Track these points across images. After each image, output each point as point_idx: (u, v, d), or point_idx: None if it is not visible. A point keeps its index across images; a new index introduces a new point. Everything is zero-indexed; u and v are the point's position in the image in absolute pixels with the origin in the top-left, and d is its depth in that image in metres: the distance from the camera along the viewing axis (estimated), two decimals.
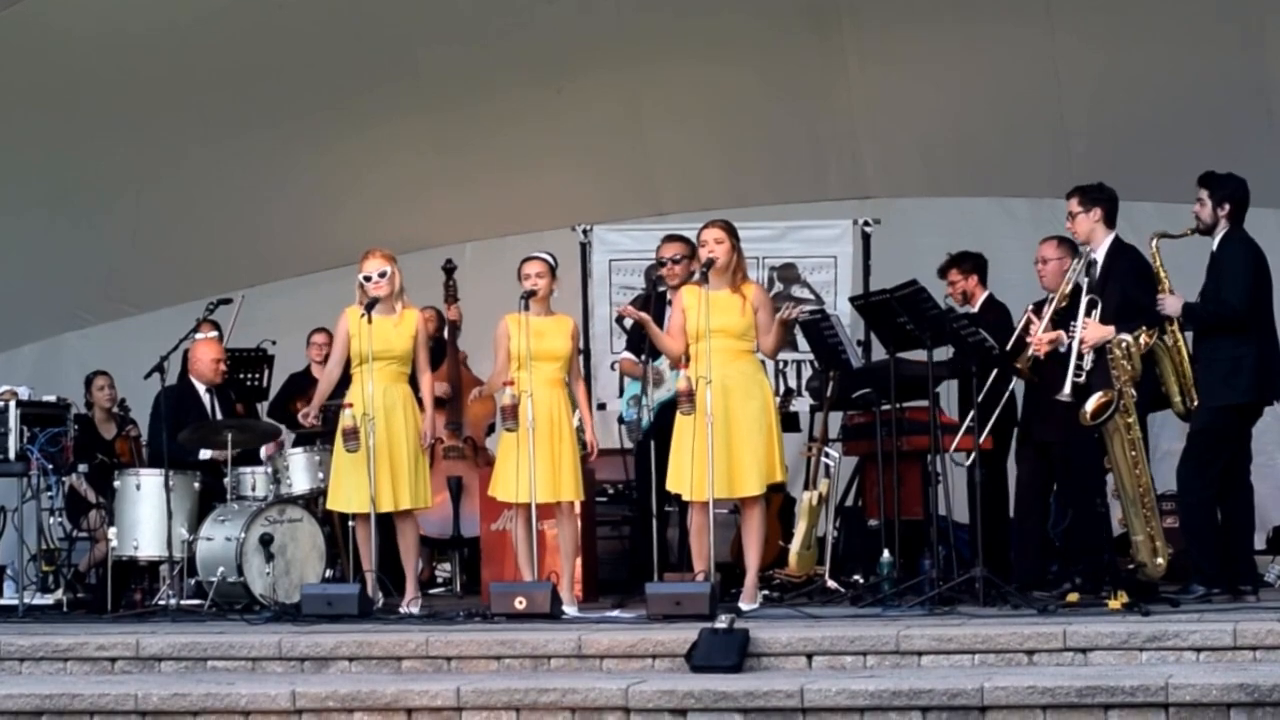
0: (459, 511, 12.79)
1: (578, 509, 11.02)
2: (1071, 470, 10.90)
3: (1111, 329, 10.16)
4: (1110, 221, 10.55)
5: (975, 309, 11.79)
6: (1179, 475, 10.39)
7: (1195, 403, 10.23)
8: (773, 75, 13.63)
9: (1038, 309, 10.74)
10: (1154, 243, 10.37)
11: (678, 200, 14.26)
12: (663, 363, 11.39)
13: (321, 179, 14.06)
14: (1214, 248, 10.32)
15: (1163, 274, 10.31)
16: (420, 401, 11.18)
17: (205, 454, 12.32)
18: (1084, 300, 10.28)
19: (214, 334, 12.98)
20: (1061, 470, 11.11)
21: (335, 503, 11.10)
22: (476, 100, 13.55)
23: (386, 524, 11.12)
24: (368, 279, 11.04)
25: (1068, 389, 10.21)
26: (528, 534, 10.66)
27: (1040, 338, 10.38)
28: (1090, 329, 10.19)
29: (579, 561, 11.16)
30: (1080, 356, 10.21)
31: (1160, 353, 10.23)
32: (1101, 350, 10.21)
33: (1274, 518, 12.80)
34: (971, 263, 11.95)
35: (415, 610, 10.80)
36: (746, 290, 10.69)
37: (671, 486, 10.71)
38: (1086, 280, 10.37)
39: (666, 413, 11.05)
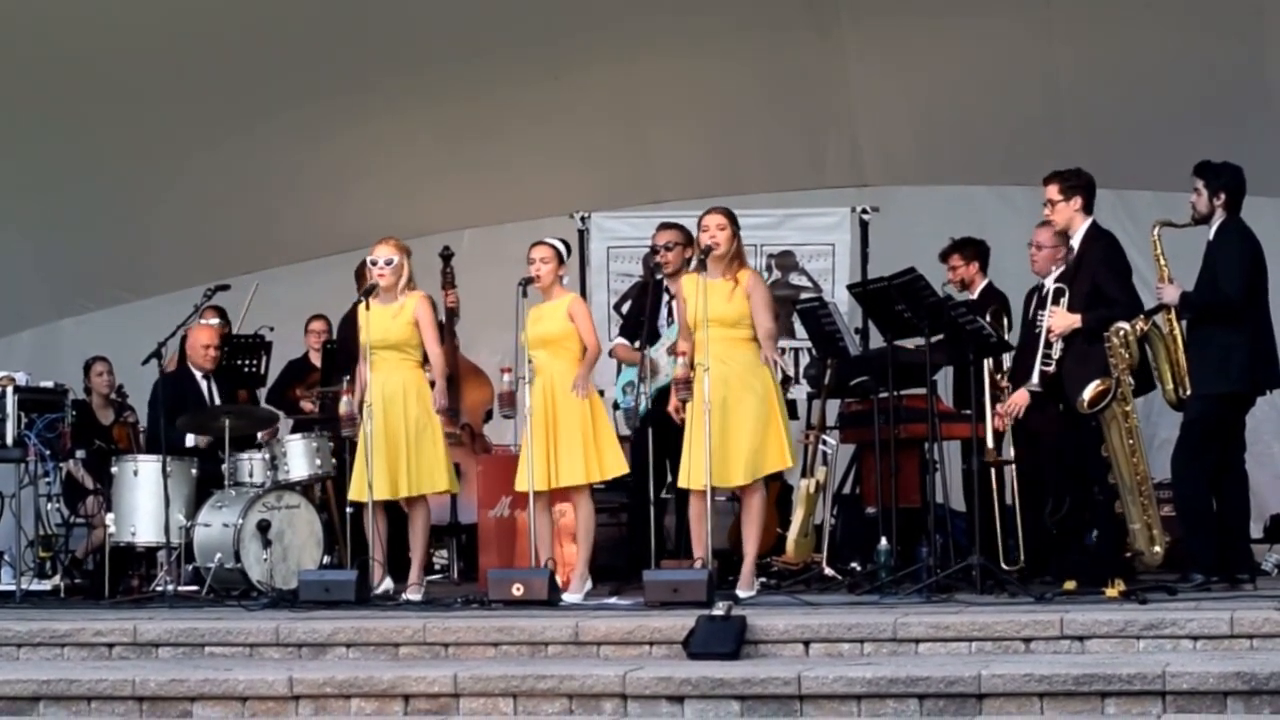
0: (456, 498, 12.79)
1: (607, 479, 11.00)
2: (1066, 459, 10.92)
3: (1078, 317, 10.20)
4: (1088, 208, 10.56)
5: (974, 296, 11.79)
6: (1173, 465, 10.39)
7: (1187, 391, 10.23)
8: (770, 63, 13.62)
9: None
10: (1155, 231, 10.36)
11: (676, 188, 14.25)
12: (658, 351, 11.39)
13: (321, 167, 14.05)
14: (1210, 236, 10.32)
15: (1162, 262, 10.30)
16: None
17: (190, 440, 12.32)
18: (1051, 288, 10.32)
19: (215, 320, 12.99)
20: (1052, 459, 11.08)
21: (355, 493, 11.03)
22: (476, 88, 13.54)
23: (394, 510, 11.13)
24: (374, 263, 11.03)
25: (1035, 378, 10.24)
26: (543, 520, 10.66)
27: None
28: (1057, 317, 10.25)
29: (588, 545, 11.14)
30: (1049, 345, 10.24)
31: (1155, 339, 10.23)
32: (1098, 338, 10.23)
33: (1272, 506, 12.81)
34: (974, 250, 11.94)
35: (415, 597, 10.79)
36: (741, 276, 10.64)
37: (683, 482, 10.69)
38: (1061, 268, 10.41)
39: (663, 400, 11.04)
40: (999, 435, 10.80)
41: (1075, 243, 10.52)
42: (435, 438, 10.96)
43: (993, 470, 10.92)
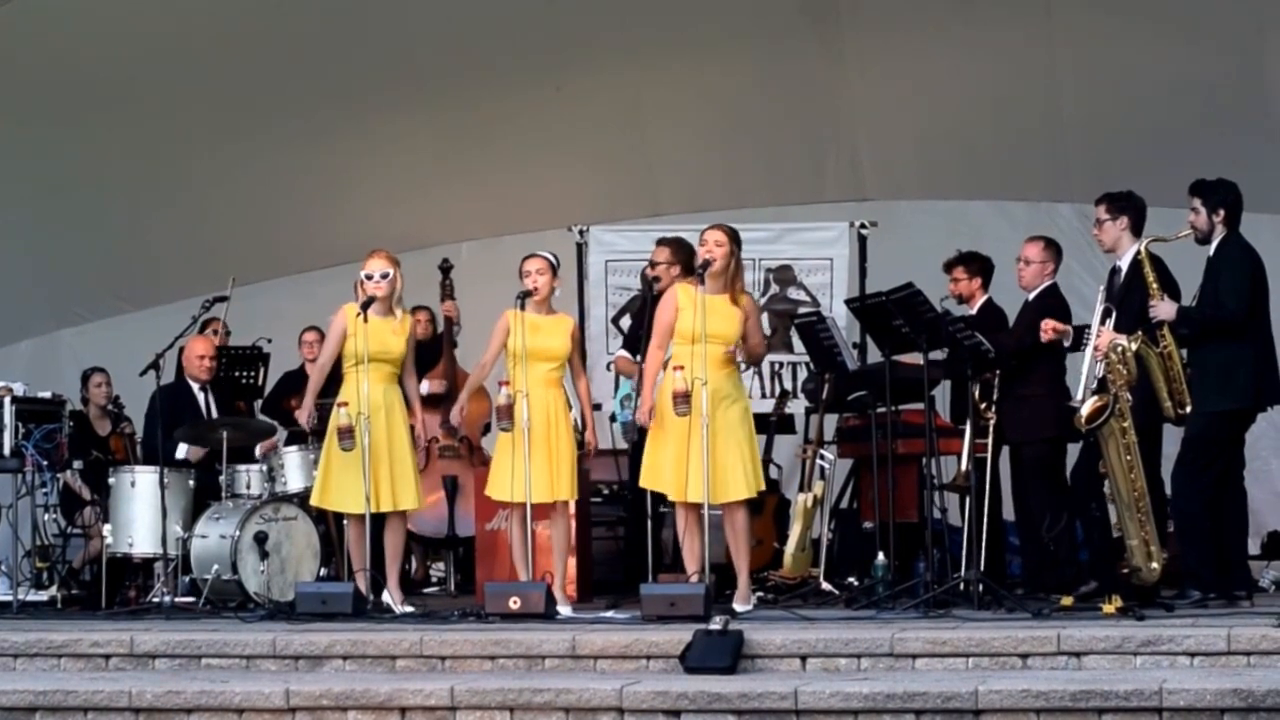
0: (454, 511, 12.81)
1: (572, 509, 11.02)
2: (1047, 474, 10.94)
3: (1125, 338, 10.17)
4: (1137, 230, 10.53)
5: (973, 311, 11.78)
6: (1173, 480, 10.38)
7: (1187, 409, 10.21)
8: (771, 76, 13.64)
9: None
10: (1144, 247, 10.34)
11: (675, 201, 14.27)
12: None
13: (320, 178, 14.07)
14: (1211, 253, 10.31)
15: (1150, 278, 10.27)
16: (409, 404, 11.15)
17: (181, 452, 12.31)
18: (1099, 309, 10.29)
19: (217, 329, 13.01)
20: (1033, 473, 11.07)
21: (325, 500, 11.05)
22: (475, 100, 13.56)
23: (375, 523, 11.12)
24: (369, 277, 11.01)
25: (1080, 395, 10.22)
26: (523, 534, 10.67)
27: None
28: (1104, 337, 10.19)
29: (572, 561, 11.16)
30: (1094, 364, 10.22)
31: (1148, 358, 10.19)
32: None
33: (1269, 523, 12.81)
34: (979, 264, 11.89)
35: (399, 609, 10.78)
36: (742, 301, 10.66)
37: (646, 483, 10.70)
38: (1104, 290, 10.37)
39: None
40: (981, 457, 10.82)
41: (1123, 264, 10.49)
42: (408, 454, 10.99)
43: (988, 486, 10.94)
